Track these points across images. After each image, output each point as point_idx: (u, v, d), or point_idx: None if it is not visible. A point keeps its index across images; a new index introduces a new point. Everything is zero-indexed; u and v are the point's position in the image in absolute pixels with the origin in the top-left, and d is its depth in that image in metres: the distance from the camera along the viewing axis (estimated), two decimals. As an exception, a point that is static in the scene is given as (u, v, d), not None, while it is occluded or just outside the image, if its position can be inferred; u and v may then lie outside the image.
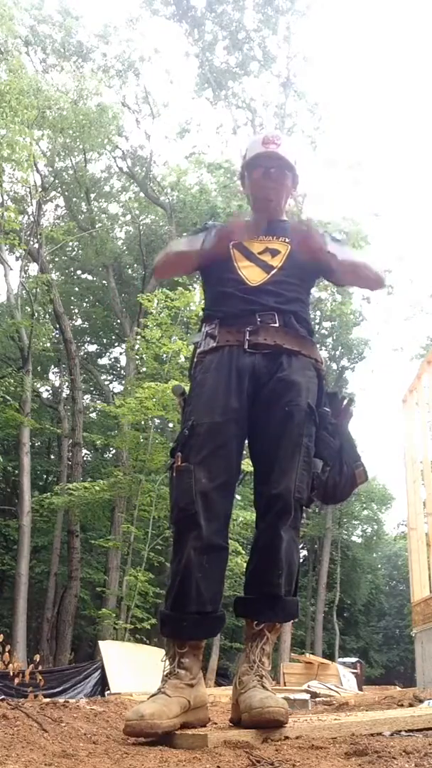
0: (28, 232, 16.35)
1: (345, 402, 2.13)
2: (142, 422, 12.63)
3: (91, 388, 24.48)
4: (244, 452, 2.08)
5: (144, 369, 14.95)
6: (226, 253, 2.15)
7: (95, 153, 19.44)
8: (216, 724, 2.03)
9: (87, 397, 23.43)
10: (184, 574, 1.82)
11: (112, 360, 25.85)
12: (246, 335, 2.02)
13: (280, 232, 2.19)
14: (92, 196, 20.59)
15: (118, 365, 25.09)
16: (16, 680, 5.52)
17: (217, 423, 1.93)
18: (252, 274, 2.11)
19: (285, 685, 8.81)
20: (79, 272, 23.02)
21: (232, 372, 1.99)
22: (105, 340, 25.01)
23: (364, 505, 29.41)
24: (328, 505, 2.33)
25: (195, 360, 2.12)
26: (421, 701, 3.09)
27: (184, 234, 17.86)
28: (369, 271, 2.23)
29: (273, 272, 2.11)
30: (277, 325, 2.04)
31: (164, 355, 12.61)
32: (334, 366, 22.47)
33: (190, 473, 1.87)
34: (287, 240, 2.16)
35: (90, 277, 22.86)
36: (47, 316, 20.27)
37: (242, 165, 2.34)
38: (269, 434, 1.98)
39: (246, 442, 2.07)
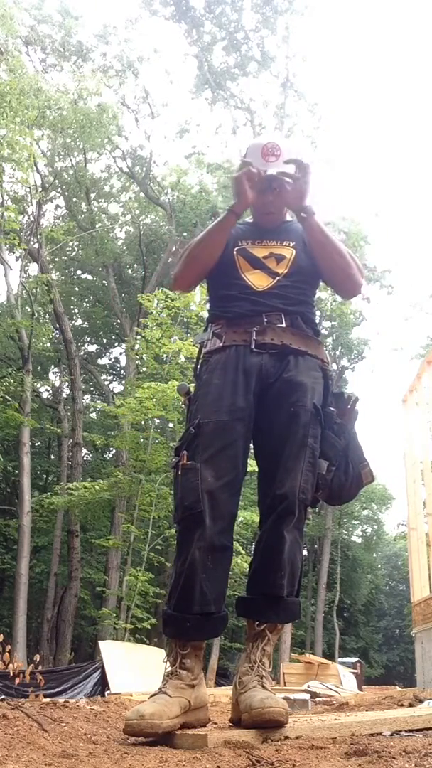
0: (28, 232, 16.34)
1: (351, 402, 2.11)
2: (142, 422, 12.61)
3: (91, 388, 24.48)
4: (249, 452, 2.07)
5: (144, 369, 14.94)
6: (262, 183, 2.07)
7: (95, 153, 19.46)
8: (216, 724, 2.03)
9: (87, 397, 23.43)
10: (189, 574, 1.81)
11: (112, 360, 25.91)
12: (253, 335, 2.01)
13: (284, 236, 2.18)
14: (92, 196, 20.59)
15: (118, 365, 25.13)
16: (16, 680, 5.50)
17: (224, 422, 1.92)
18: (258, 280, 2.10)
19: (285, 685, 8.80)
20: (79, 272, 23.02)
21: (239, 371, 1.98)
22: (105, 340, 25.01)
23: (364, 505, 29.39)
24: (334, 505, 2.31)
25: (201, 359, 2.11)
26: (421, 701, 3.09)
27: (185, 234, 17.93)
28: (344, 260, 2.11)
29: (278, 278, 2.10)
30: (284, 325, 2.04)
31: (164, 355, 12.60)
32: (334, 366, 22.48)
33: (196, 472, 1.86)
34: (292, 244, 2.15)
35: (90, 277, 22.85)
36: (47, 316, 20.27)
37: None
38: (275, 434, 1.97)
39: (251, 441, 2.06)
